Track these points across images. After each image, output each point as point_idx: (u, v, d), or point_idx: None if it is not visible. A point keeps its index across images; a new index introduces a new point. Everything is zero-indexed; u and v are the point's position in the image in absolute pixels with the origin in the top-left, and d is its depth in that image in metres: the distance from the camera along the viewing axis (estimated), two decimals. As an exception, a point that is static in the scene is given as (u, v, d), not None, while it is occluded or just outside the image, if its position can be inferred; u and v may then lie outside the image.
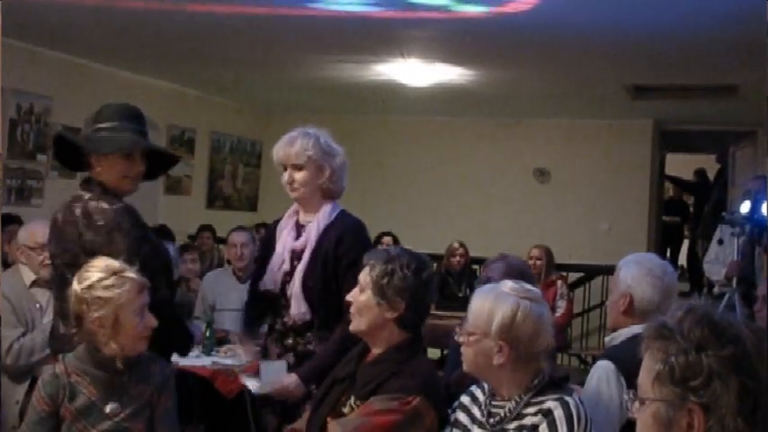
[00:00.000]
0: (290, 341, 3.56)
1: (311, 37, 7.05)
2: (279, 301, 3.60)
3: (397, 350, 2.77)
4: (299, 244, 3.58)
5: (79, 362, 2.84)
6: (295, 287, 3.51)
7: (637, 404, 1.69)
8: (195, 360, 5.16)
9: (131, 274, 2.81)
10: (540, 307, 2.56)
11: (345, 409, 2.71)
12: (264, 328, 3.80)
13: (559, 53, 7.12)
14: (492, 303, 2.52)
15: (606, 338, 3.16)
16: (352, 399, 2.71)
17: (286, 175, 3.56)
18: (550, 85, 8.73)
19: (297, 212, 3.68)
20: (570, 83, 8.53)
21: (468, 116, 10.97)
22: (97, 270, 2.80)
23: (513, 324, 2.48)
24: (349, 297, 2.87)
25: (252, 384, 3.52)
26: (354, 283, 3.28)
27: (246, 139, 11.33)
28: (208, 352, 5.27)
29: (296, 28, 6.76)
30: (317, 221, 3.56)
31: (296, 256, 3.57)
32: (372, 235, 8.60)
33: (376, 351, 2.81)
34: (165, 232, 7.84)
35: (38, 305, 4.43)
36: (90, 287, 2.77)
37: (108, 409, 2.80)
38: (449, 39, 6.87)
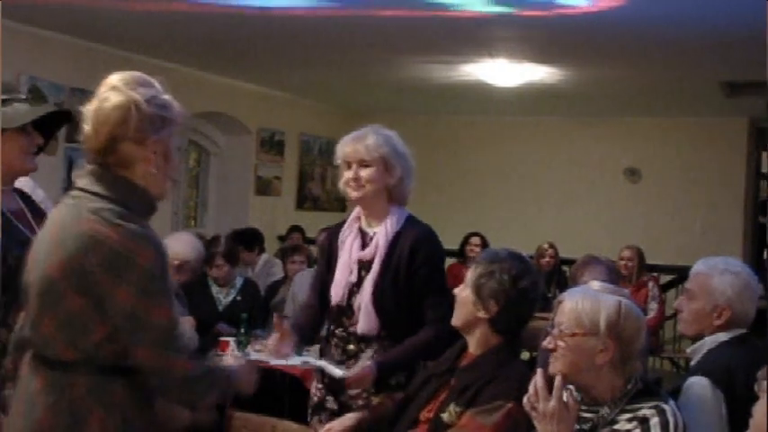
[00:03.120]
0: (351, 347, 3.36)
1: (399, 38, 7.08)
2: (344, 312, 3.39)
3: (493, 354, 2.77)
4: (366, 254, 3.36)
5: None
6: (365, 300, 3.30)
7: None
8: (285, 360, 5.22)
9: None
10: (635, 305, 2.54)
11: (445, 415, 2.68)
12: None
13: (650, 50, 7.00)
14: (593, 302, 2.48)
15: (688, 349, 3.01)
16: (452, 405, 2.69)
17: (350, 173, 3.37)
18: (641, 83, 8.59)
19: (358, 219, 3.47)
20: (662, 80, 8.39)
21: (557, 115, 10.87)
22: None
23: (620, 321, 2.45)
24: (456, 290, 2.89)
25: (329, 368, 3.26)
26: (433, 293, 3.29)
27: (335, 140, 11.32)
28: (299, 351, 5.32)
29: (384, 29, 6.79)
30: (385, 229, 3.35)
31: (363, 266, 3.37)
32: (460, 235, 8.68)
33: (474, 353, 2.82)
34: (253, 235, 7.96)
35: None
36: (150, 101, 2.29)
37: None
38: (537, 38, 6.83)
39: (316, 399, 3.46)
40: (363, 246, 3.40)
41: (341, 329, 3.41)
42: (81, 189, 2.26)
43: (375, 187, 3.34)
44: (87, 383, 2.19)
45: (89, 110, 2.26)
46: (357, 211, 3.48)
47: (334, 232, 3.53)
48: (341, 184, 3.45)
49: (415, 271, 3.29)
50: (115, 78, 2.29)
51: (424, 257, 3.31)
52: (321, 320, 3.57)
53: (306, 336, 3.53)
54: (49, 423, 2.18)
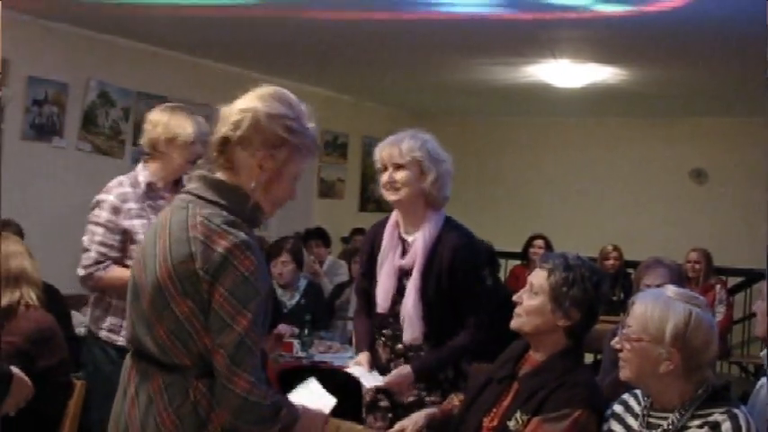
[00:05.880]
0: (400, 346, 3.44)
1: (462, 40, 7.08)
2: (388, 317, 3.46)
3: (559, 358, 2.71)
4: (406, 262, 3.41)
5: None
6: (408, 309, 3.37)
7: None
8: (349, 361, 5.24)
9: None
10: (708, 316, 2.48)
11: (511, 423, 2.64)
12: None
13: (716, 49, 6.90)
14: (662, 309, 2.44)
15: (762, 352, 2.97)
16: (518, 412, 2.64)
17: (386, 176, 3.40)
18: (707, 83, 8.46)
19: (397, 224, 3.50)
20: (728, 79, 8.25)
21: (621, 116, 10.76)
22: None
23: (687, 332, 2.41)
24: (516, 297, 2.80)
25: (365, 377, 3.38)
26: (472, 297, 3.32)
27: (398, 143, 11.39)
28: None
29: (446, 32, 6.80)
30: (423, 236, 3.38)
31: (403, 274, 3.42)
32: (524, 237, 8.63)
33: (537, 357, 2.76)
34: (321, 235, 8.04)
35: None
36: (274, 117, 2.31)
37: None
38: (600, 38, 6.77)
39: (368, 398, 3.53)
40: (403, 252, 3.44)
41: (387, 330, 3.48)
42: (191, 193, 2.31)
43: (410, 190, 3.36)
44: (205, 385, 2.22)
45: (224, 109, 2.34)
46: (395, 215, 3.51)
47: (374, 235, 3.58)
48: (381, 188, 3.47)
49: (455, 276, 3.34)
50: (260, 89, 2.35)
51: (464, 262, 3.36)
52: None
53: (371, 342, 3.57)
54: (175, 425, 2.22)
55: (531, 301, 2.74)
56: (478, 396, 2.85)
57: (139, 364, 2.30)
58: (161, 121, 3.73)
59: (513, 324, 2.79)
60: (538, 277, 2.76)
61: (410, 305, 3.35)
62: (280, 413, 2.22)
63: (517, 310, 2.78)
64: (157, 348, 2.25)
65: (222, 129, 2.30)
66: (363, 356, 3.48)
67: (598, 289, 2.74)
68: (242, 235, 2.21)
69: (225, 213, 2.25)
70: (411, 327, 3.35)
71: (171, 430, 2.22)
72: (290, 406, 2.31)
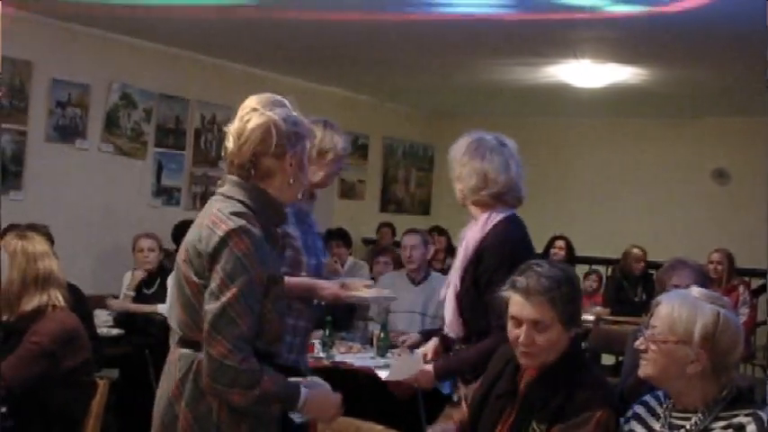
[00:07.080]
0: (456, 348, 3.49)
1: (482, 40, 7.07)
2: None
3: (563, 360, 2.63)
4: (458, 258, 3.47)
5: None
6: (446, 304, 3.44)
7: None
8: (370, 361, 5.26)
9: None
10: (735, 317, 2.47)
11: None
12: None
13: (737, 48, 6.84)
14: (690, 310, 2.43)
15: None
16: (534, 423, 2.58)
17: None
18: (730, 82, 8.39)
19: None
20: (750, 79, 8.16)
21: (642, 117, 10.70)
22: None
23: (716, 333, 2.39)
24: (524, 338, 2.62)
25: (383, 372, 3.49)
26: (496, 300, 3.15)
27: (419, 143, 11.42)
28: (383, 353, 5.36)
29: (466, 32, 6.79)
30: (469, 235, 3.40)
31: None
32: (545, 238, 8.62)
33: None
34: (342, 235, 8.04)
35: None
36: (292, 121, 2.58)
37: None
38: (622, 38, 6.74)
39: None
40: None
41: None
42: (220, 194, 2.56)
43: (460, 196, 3.44)
44: None
45: (232, 129, 2.54)
46: None
47: None
48: None
49: (479, 277, 3.30)
50: (254, 101, 2.57)
51: (486, 265, 3.30)
52: None
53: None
54: (180, 391, 2.49)
55: (548, 335, 2.62)
56: (479, 414, 2.79)
57: (173, 342, 2.58)
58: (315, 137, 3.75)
59: (530, 363, 2.67)
60: (538, 311, 2.61)
61: (447, 301, 3.43)
62: (259, 381, 2.38)
63: (530, 350, 2.63)
64: (177, 324, 2.53)
65: (246, 147, 2.51)
66: (431, 343, 3.61)
67: (573, 279, 2.72)
68: (241, 221, 2.42)
69: (239, 206, 2.48)
70: (448, 321, 3.44)
71: (177, 397, 2.49)
72: (280, 378, 2.46)
